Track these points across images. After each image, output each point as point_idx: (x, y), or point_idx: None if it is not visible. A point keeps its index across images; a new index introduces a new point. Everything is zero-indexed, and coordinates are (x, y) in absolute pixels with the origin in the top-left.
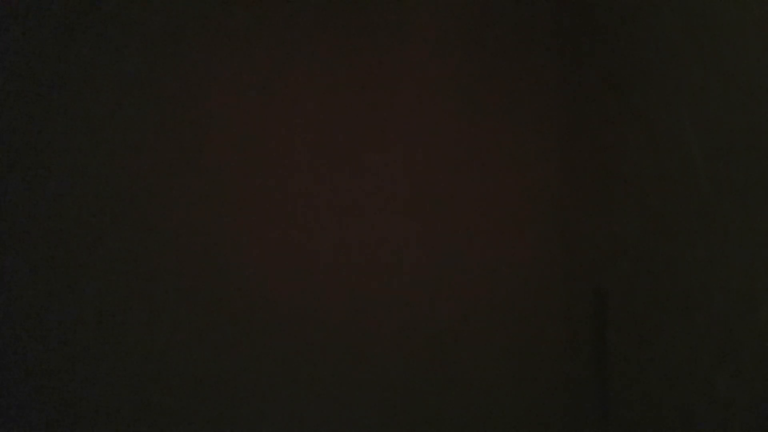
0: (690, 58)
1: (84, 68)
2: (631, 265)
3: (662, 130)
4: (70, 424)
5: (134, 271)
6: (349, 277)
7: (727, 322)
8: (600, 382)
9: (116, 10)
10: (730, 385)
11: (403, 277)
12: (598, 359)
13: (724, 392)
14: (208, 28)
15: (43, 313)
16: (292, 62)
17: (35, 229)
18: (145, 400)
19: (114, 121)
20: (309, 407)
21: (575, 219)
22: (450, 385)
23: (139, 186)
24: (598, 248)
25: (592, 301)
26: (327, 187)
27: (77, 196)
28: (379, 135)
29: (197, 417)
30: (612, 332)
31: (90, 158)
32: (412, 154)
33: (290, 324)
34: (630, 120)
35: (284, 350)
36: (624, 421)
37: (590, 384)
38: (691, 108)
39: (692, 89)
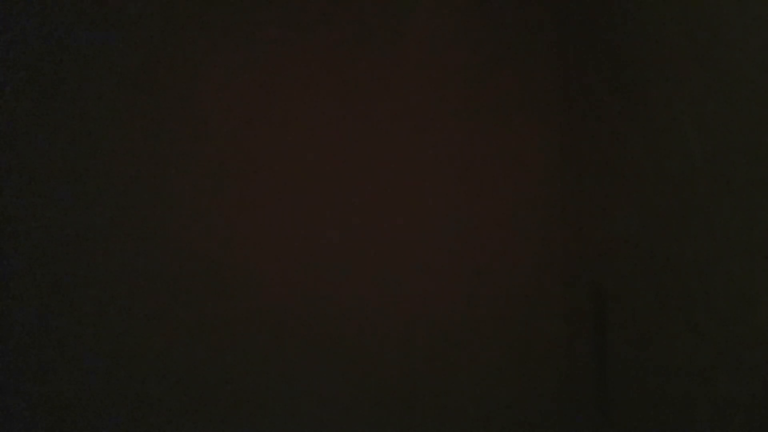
0: (690, 58)
1: (83, 67)
2: (631, 264)
3: (662, 130)
4: (70, 424)
5: (134, 271)
6: (349, 276)
7: (727, 322)
8: (600, 381)
9: (115, 8)
10: (730, 385)
11: (401, 277)
12: (598, 359)
13: (724, 392)
14: (208, 28)
15: (43, 313)
16: (291, 62)
17: (35, 229)
18: (145, 400)
19: (113, 121)
20: (308, 407)
21: (575, 218)
22: (450, 385)
23: (138, 186)
24: (598, 247)
25: (592, 301)
26: (326, 187)
27: (77, 197)
28: (378, 135)
29: (197, 417)
30: (612, 332)
31: (90, 158)
32: (411, 153)
33: (290, 324)
34: (630, 120)
35: (284, 349)
36: (624, 421)
37: (590, 384)
38: (691, 108)
39: (692, 89)
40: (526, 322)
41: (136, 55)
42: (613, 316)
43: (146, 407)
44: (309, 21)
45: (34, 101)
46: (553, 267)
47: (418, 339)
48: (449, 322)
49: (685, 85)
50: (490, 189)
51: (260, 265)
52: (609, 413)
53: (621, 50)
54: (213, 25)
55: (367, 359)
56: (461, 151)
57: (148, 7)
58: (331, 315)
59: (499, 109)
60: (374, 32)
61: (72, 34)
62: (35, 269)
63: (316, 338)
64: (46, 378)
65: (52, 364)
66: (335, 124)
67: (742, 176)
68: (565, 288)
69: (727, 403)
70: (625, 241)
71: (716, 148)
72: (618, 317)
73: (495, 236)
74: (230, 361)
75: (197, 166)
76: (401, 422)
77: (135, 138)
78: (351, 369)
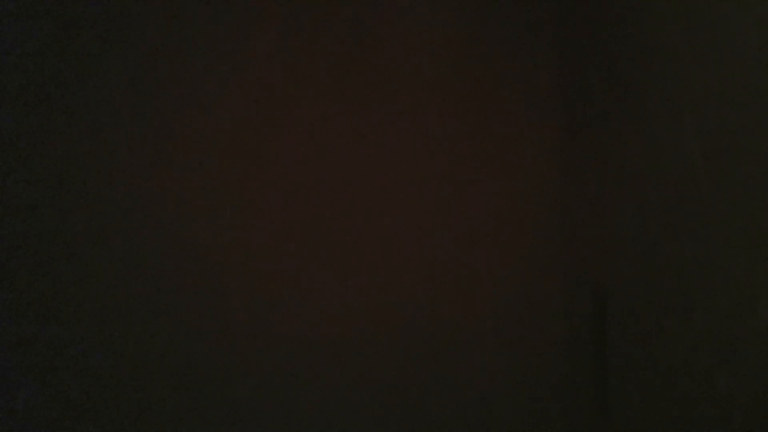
0: (690, 58)
1: (84, 68)
2: (631, 264)
3: (662, 130)
4: (70, 424)
5: (134, 271)
6: (349, 277)
7: (727, 322)
8: (600, 382)
9: (116, 9)
10: (730, 384)
11: (402, 278)
12: (598, 359)
13: (724, 392)
14: (208, 28)
15: (43, 312)
16: (291, 62)
17: (35, 229)
18: (145, 399)
19: (114, 122)
20: (308, 407)
21: (575, 219)
22: (450, 385)
23: (139, 186)
24: (598, 248)
25: (592, 301)
26: (325, 188)
27: (77, 197)
28: (378, 135)
29: (197, 417)
30: (612, 332)
31: (90, 158)
32: (411, 153)
33: (290, 324)
34: (630, 120)
35: (284, 350)
36: (624, 421)
37: (590, 384)
38: (691, 108)
39: (692, 89)
40: (527, 324)
41: (137, 56)
42: (613, 316)
43: (146, 407)
44: (309, 22)
45: (35, 102)
46: (553, 267)
47: (418, 339)
48: (449, 323)
49: (685, 85)
50: (490, 189)
51: (260, 266)
52: (609, 413)
53: (621, 50)
54: (213, 26)
55: (368, 359)
56: (461, 151)
57: (149, 9)
58: (331, 315)
59: (498, 109)
60: (374, 32)
61: (73, 35)
62: (35, 269)
63: (315, 339)
64: (46, 378)
65: (52, 364)
66: (334, 124)
67: (742, 176)
68: (565, 288)
69: (727, 403)
70: (625, 241)
71: (716, 148)
72: (618, 317)
73: (495, 237)
74: (230, 361)
75: (196, 167)
76: (401, 422)
77: (135, 138)
78: (351, 369)
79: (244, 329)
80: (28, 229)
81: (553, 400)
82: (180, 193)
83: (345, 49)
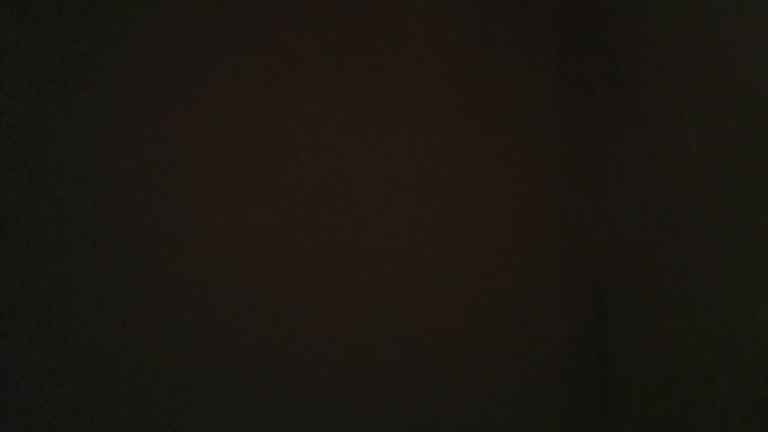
0: (690, 58)
1: (83, 68)
2: (631, 264)
3: (662, 130)
4: (70, 424)
5: (134, 271)
6: (348, 276)
7: (727, 322)
8: (600, 382)
9: (116, 9)
10: (730, 385)
11: (401, 277)
12: (598, 359)
13: (724, 392)
14: (208, 28)
15: (43, 312)
16: (290, 62)
17: (35, 229)
18: (145, 399)
19: (114, 121)
20: (308, 408)
21: (575, 219)
22: (449, 385)
23: (138, 186)
24: (598, 247)
25: (592, 301)
26: (325, 188)
27: (77, 196)
28: (377, 135)
29: (197, 417)
30: (612, 332)
31: (90, 158)
32: (411, 153)
33: (290, 326)
34: (630, 120)
35: (284, 352)
36: (624, 421)
37: (590, 384)
38: (691, 108)
39: (692, 89)
40: (527, 324)
41: (137, 54)
42: (613, 316)
43: (146, 407)
44: (309, 21)
45: (35, 101)
46: (553, 267)
47: (418, 339)
48: (449, 323)
49: (685, 85)
50: (491, 189)
51: (260, 266)
52: (609, 413)
53: (621, 51)
54: (213, 25)
55: (368, 360)
56: (461, 151)
57: (149, 8)
58: (331, 316)
59: (499, 109)
60: (374, 33)
61: (73, 35)
62: (35, 269)
63: (316, 339)
64: (46, 378)
65: (52, 364)
66: (334, 126)
67: (742, 176)
68: (565, 288)
69: (727, 403)
70: (625, 241)
71: (716, 148)
72: (618, 317)
73: (495, 236)
74: (230, 362)
75: (196, 167)
76: (401, 422)
77: (135, 137)
78: (351, 370)
79: (244, 329)
80: (28, 229)
81: (553, 399)
82: (180, 192)
83: (345, 48)
